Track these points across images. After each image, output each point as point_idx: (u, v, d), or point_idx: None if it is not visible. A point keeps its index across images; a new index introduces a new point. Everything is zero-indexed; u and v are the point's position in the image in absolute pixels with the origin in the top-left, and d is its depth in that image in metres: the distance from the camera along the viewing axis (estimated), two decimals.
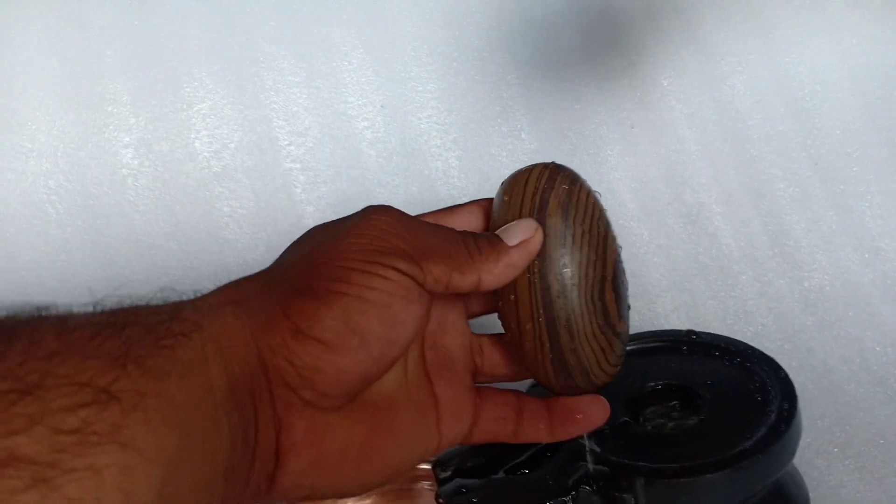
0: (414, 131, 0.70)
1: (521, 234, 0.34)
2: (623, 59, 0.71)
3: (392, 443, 0.34)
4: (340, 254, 0.31)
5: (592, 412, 0.36)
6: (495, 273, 0.33)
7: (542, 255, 0.34)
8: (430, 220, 0.36)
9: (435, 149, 0.70)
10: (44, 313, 0.26)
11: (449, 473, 0.41)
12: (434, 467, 0.41)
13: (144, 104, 0.70)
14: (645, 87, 0.71)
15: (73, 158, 0.70)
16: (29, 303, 0.27)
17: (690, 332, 0.48)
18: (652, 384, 0.45)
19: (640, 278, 0.66)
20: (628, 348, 0.48)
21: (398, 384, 0.35)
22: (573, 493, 0.38)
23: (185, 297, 0.31)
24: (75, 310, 0.27)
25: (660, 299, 0.65)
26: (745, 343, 0.47)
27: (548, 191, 0.35)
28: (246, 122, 0.70)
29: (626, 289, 0.37)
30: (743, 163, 0.70)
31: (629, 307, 0.37)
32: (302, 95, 0.70)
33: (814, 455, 0.52)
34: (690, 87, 0.71)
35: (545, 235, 0.34)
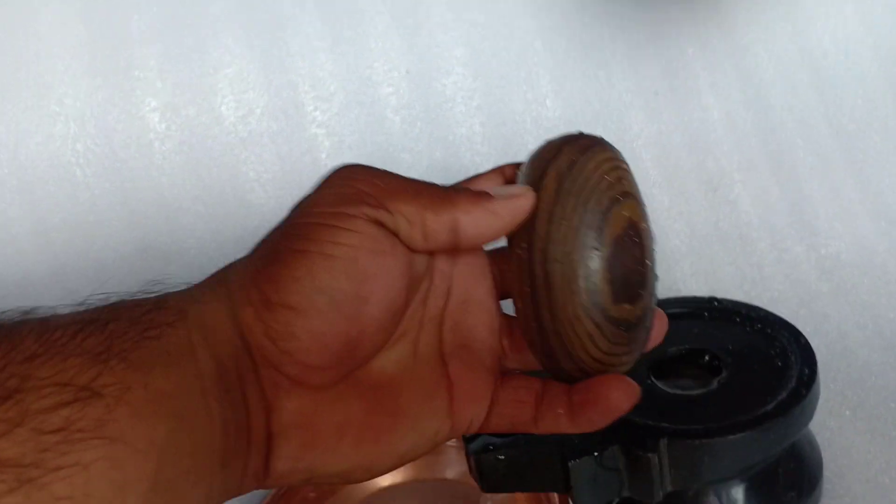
0: (439, 97, 0.70)
1: (509, 190, 0.31)
2: (648, 28, 0.71)
3: (396, 425, 0.31)
4: (305, 209, 0.30)
5: (615, 396, 0.32)
6: (474, 215, 0.30)
7: (532, 229, 0.31)
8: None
9: (459, 115, 0.70)
10: (27, 317, 0.26)
11: None
12: None
13: (171, 69, 0.71)
14: (669, 56, 0.71)
15: (101, 122, 0.71)
16: (14, 307, 0.27)
17: (712, 298, 0.50)
18: (675, 349, 0.46)
19: (660, 244, 0.66)
20: None
21: (404, 364, 0.33)
22: (598, 451, 0.39)
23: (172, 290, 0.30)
24: (60, 310, 0.27)
25: (679, 265, 0.66)
26: (765, 310, 0.48)
27: (551, 162, 0.32)
28: (272, 87, 0.71)
29: (643, 271, 0.33)
30: (764, 131, 0.70)
31: (645, 291, 0.33)
32: (327, 61, 0.71)
33: (826, 417, 0.53)
34: (714, 55, 0.71)
35: (537, 209, 0.31)
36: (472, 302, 0.34)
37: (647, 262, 0.33)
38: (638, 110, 0.70)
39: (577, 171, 0.31)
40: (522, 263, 0.32)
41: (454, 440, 0.53)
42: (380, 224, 0.29)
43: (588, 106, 0.69)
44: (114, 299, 0.28)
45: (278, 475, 0.30)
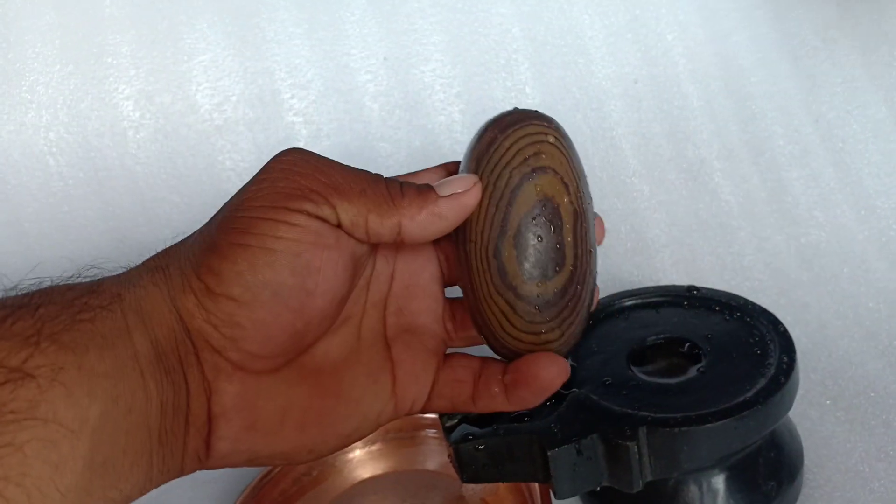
0: (417, 84, 0.70)
1: (455, 186, 0.31)
2: (627, 14, 0.70)
3: (340, 408, 0.32)
4: (244, 203, 0.29)
5: (543, 374, 0.33)
6: (418, 220, 0.30)
7: None
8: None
9: (438, 103, 0.69)
10: None
11: (455, 421, 0.41)
12: (441, 415, 0.41)
13: (145, 55, 0.69)
14: (649, 42, 0.70)
15: (74, 110, 0.69)
16: None
17: (691, 287, 0.49)
18: (654, 337, 0.46)
19: (640, 233, 0.67)
20: (630, 302, 0.50)
21: (347, 347, 0.33)
22: (578, 440, 0.38)
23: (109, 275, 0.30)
24: None
25: (659, 254, 0.66)
26: (744, 298, 0.48)
27: (475, 145, 0.33)
28: (247, 74, 0.70)
29: (559, 248, 0.32)
30: (744, 119, 0.70)
31: (562, 268, 0.33)
32: (304, 47, 0.70)
33: (807, 406, 0.53)
34: (694, 42, 0.71)
35: None
36: (416, 287, 0.35)
37: (567, 238, 0.32)
38: (617, 98, 0.70)
39: (494, 151, 0.32)
40: (454, 246, 0.33)
41: (435, 430, 0.53)
42: (321, 218, 0.29)
43: (567, 93, 0.69)
44: (47, 283, 0.28)
45: (220, 456, 0.30)
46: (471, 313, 0.34)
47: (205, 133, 0.70)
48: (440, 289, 0.36)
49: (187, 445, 0.29)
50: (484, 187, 0.32)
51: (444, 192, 0.31)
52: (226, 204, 0.31)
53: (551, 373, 0.33)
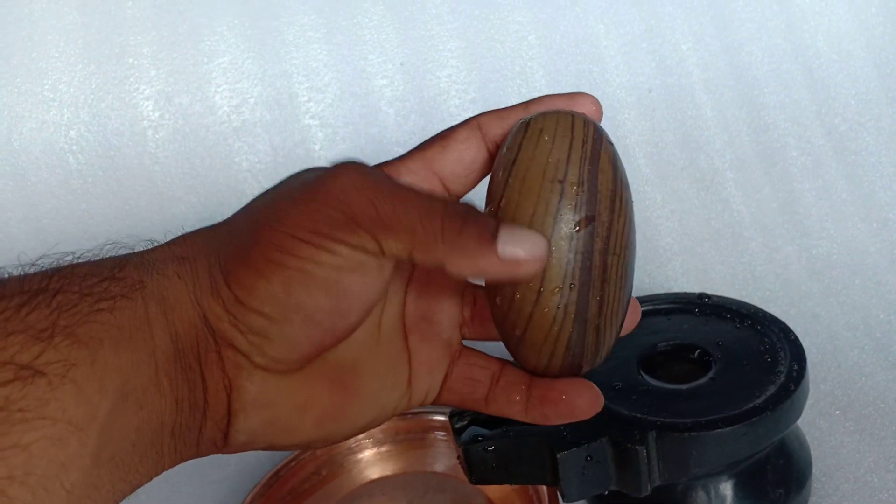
0: (433, 90, 0.70)
1: (523, 248, 0.28)
2: (642, 24, 0.71)
3: (359, 402, 0.32)
4: (287, 219, 0.27)
5: (581, 401, 0.31)
6: (460, 267, 0.28)
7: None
8: (426, 152, 0.32)
9: (454, 108, 0.70)
10: None
11: (465, 423, 0.41)
12: (450, 417, 0.42)
13: (165, 57, 0.70)
14: (664, 52, 0.71)
15: (94, 109, 0.70)
16: None
17: (703, 294, 0.50)
18: (664, 343, 0.46)
19: (652, 241, 0.67)
20: (642, 308, 0.50)
21: (369, 343, 0.32)
22: (587, 443, 0.39)
23: (131, 251, 0.29)
24: (11, 272, 0.26)
25: (671, 263, 0.67)
26: (755, 306, 0.48)
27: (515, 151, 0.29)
28: (266, 76, 0.71)
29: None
30: (757, 130, 0.70)
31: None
32: (322, 51, 0.71)
33: (816, 416, 0.53)
34: (708, 53, 0.71)
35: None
36: (436, 271, 0.32)
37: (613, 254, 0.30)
38: (631, 107, 0.70)
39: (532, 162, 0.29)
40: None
41: (444, 433, 0.53)
42: (364, 251, 0.27)
43: None
44: (68, 260, 0.27)
45: (238, 446, 0.30)
46: (497, 320, 0.32)
47: (222, 134, 0.71)
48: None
49: (203, 435, 0.29)
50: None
51: (505, 251, 0.27)
52: (263, 203, 0.29)
53: (586, 401, 0.31)
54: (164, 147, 0.71)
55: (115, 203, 0.71)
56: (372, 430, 0.52)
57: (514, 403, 0.32)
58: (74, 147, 0.71)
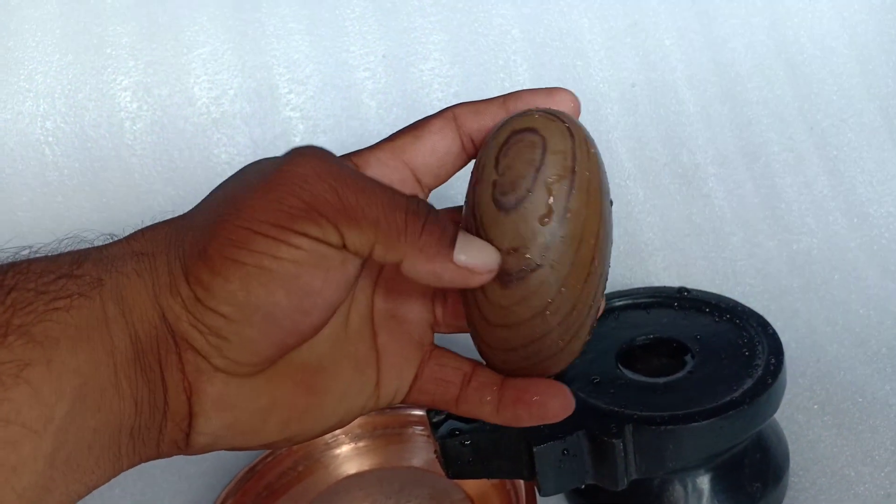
0: (415, 83, 0.70)
1: (477, 258, 0.27)
2: (626, 18, 0.71)
3: (325, 404, 0.31)
4: (245, 212, 0.26)
5: (551, 400, 0.31)
6: (417, 268, 0.27)
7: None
8: (397, 142, 0.31)
9: (436, 101, 0.70)
10: None
11: (442, 417, 0.41)
12: (428, 411, 0.41)
13: (144, 47, 0.70)
14: (647, 47, 0.71)
15: (71, 100, 0.70)
16: None
17: (682, 288, 0.50)
18: (643, 337, 0.46)
19: (633, 236, 0.67)
20: (621, 302, 0.50)
21: (335, 343, 0.31)
22: (564, 437, 0.38)
23: (91, 245, 0.28)
24: None
25: (652, 257, 0.66)
26: (734, 300, 0.48)
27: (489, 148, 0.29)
28: (246, 68, 0.70)
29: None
30: (740, 125, 0.71)
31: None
32: (303, 43, 0.70)
33: (794, 411, 0.53)
34: (692, 48, 0.71)
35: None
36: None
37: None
38: (615, 102, 0.70)
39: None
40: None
41: (422, 427, 0.53)
42: (326, 243, 0.27)
43: None
44: (25, 254, 0.27)
45: (199, 447, 0.29)
46: (469, 319, 0.31)
47: (201, 126, 0.70)
48: None
49: (163, 437, 0.28)
50: None
51: (461, 258, 0.27)
52: (223, 194, 0.28)
53: (558, 404, 0.31)
54: (142, 139, 0.70)
55: (92, 195, 0.70)
56: (349, 426, 0.52)
57: (485, 404, 0.32)
58: (51, 138, 0.70)
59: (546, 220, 0.28)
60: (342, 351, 0.31)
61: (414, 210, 0.27)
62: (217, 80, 0.70)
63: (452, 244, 0.27)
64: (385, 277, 0.33)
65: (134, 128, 0.70)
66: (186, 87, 0.70)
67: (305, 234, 0.26)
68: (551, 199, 0.28)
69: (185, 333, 0.27)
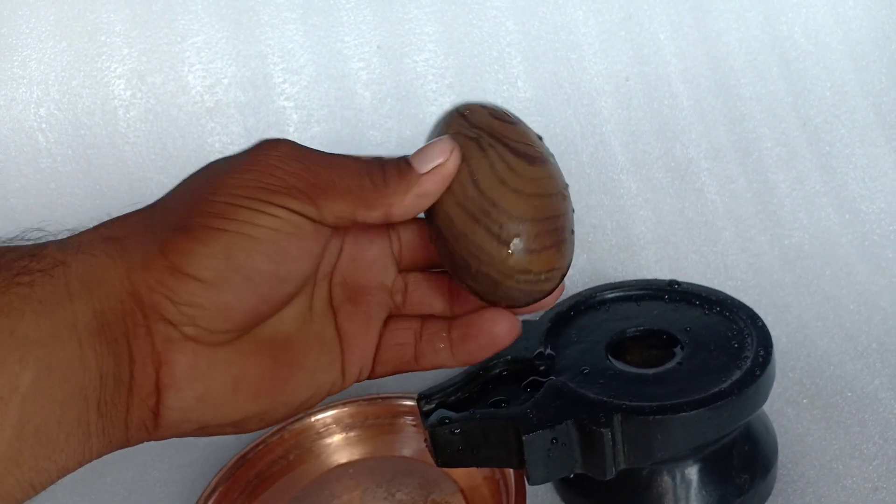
0: (410, 74, 0.70)
1: (435, 156, 0.30)
2: (621, 12, 0.71)
3: (294, 378, 0.32)
4: (223, 189, 0.28)
5: (499, 328, 0.33)
6: (405, 205, 0.30)
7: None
8: None
9: (430, 93, 0.70)
10: None
11: (433, 406, 0.41)
12: (418, 400, 0.42)
13: (138, 35, 0.69)
14: (641, 41, 0.71)
15: (65, 87, 0.69)
16: None
17: (672, 281, 0.50)
18: (633, 329, 0.46)
19: (626, 230, 0.67)
20: (612, 294, 0.50)
21: (301, 319, 0.33)
22: (553, 426, 0.39)
23: (53, 238, 0.29)
24: None
25: (644, 251, 0.67)
26: (724, 293, 0.48)
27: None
28: (240, 57, 0.70)
29: None
30: (733, 120, 0.71)
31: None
32: (298, 32, 0.70)
33: (784, 404, 0.53)
34: (686, 43, 0.71)
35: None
36: (364, 260, 0.35)
37: None
38: (608, 95, 0.70)
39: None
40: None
41: (413, 417, 0.53)
42: (303, 215, 0.29)
43: (559, 89, 0.69)
44: None
45: (169, 426, 0.30)
46: (446, 256, 0.33)
47: (195, 115, 0.70)
48: (391, 261, 0.36)
49: (131, 415, 0.29)
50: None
51: (424, 167, 0.30)
52: (197, 181, 0.30)
53: (503, 328, 0.33)
54: (136, 127, 0.70)
55: (85, 183, 0.70)
56: (340, 415, 0.53)
57: (440, 352, 0.34)
58: (44, 125, 0.70)
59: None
60: (309, 329, 0.33)
61: (371, 167, 0.30)
62: (211, 69, 0.70)
63: (411, 167, 0.30)
64: (341, 268, 0.34)
65: (127, 115, 0.70)
66: (180, 76, 0.70)
67: (284, 207, 0.28)
68: None
69: (158, 304, 0.28)
